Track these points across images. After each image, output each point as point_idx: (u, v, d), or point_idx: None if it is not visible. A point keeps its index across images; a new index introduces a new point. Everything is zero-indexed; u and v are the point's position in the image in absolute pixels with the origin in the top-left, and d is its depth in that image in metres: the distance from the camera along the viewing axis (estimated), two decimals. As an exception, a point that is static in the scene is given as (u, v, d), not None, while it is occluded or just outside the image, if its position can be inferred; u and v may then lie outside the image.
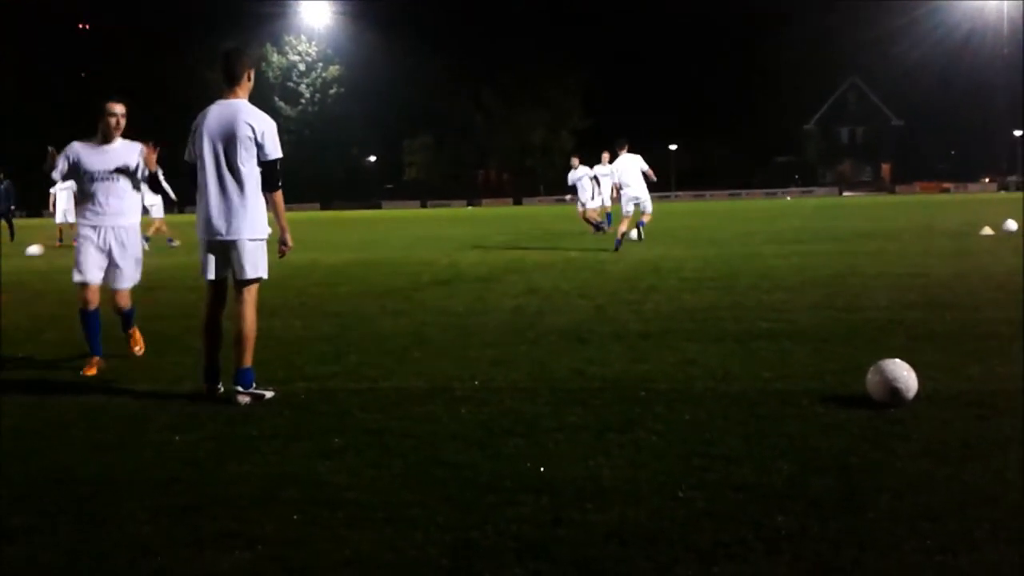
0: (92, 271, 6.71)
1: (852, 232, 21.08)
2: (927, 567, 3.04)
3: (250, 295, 5.61)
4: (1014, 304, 8.46)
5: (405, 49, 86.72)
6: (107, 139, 6.63)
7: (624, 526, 3.42)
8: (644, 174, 17.72)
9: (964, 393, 5.23)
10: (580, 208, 23.67)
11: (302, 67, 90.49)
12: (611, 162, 21.72)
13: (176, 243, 22.58)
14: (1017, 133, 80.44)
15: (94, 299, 6.70)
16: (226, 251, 5.57)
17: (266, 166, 5.52)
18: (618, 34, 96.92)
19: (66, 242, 23.25)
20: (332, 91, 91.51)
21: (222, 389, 5.66)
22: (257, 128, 5.47)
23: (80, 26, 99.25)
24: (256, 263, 5.58)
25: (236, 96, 5.57)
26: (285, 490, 3.92)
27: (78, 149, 6.62)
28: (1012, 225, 18.53)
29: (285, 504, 3.74)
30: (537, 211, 56.90)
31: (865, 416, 4.82)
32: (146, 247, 23.06)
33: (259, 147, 5.47)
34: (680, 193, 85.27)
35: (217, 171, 5.49)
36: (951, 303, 8.73)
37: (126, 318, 7.12)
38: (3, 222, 27.78)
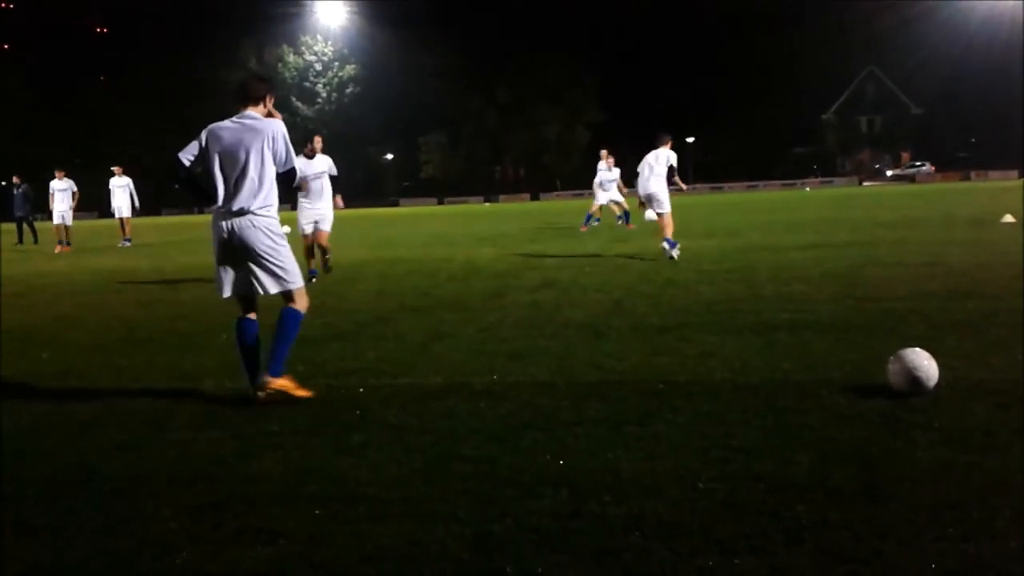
0: None
1: (871, 222, 20.94)
2: (949, 556, 3.03)
3: None
4: (1036, 292, 8.39)
5: (420, 47, 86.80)
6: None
7: (643, 518, 3.42)
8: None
9: (985, 382, 5.20)
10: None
11: (318, 67, 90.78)
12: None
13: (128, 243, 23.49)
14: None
15: None
16: None
17: None
18: (633, 27, 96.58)
19: (72, 244, 23.25)
20: (348, 90, 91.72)
21: None
22: None
23: (98, 29, 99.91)
24: None
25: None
26: (306, 486, 3.95)
27: None
28: (1034, 213, 18.35)
29: (307, 500, 3.77)
30: (554, 206, 56.84)
31: (886, 406, 4.80)
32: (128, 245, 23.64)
33: None
34: (698, 185, 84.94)
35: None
36: (971, 292, 8.67)
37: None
38: (24, 226, 28.03)
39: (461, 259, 15.65)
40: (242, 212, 5.34)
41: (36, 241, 27.33)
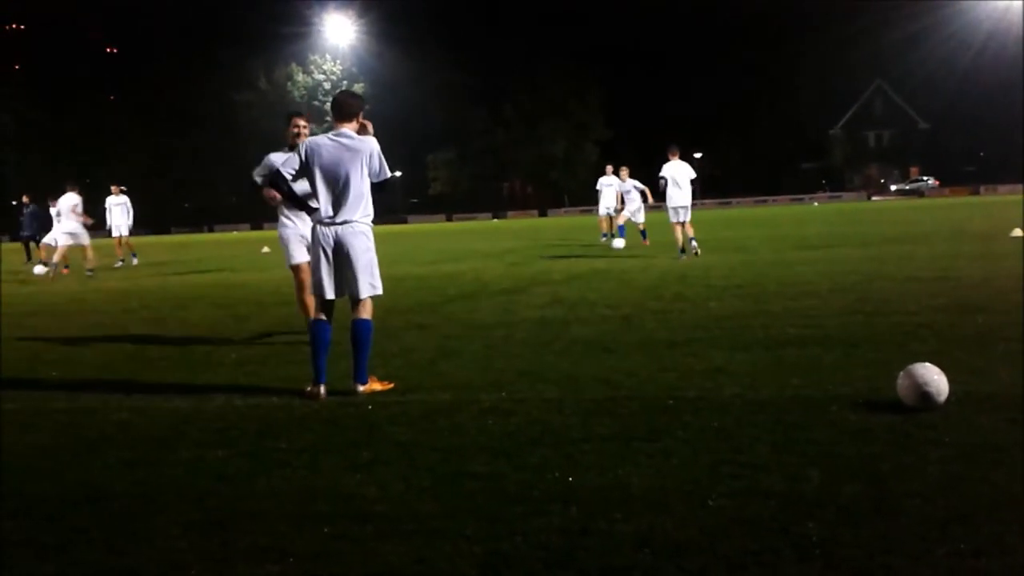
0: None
1: (880, 236, 20.90)
2: (959, 571, 3.01)
3: None
4: (1046, 306, 8.35)
5: (428, 66, 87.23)
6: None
7: (652, 535, 3.41)
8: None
9: (995, 396, 5.18)
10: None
11: (327, 86, 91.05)
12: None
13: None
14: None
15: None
16: None
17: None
18: (639, 42, 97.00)
19: (72, 267, 22.68)
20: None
21: None
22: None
23: (108, 49, 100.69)
24: None
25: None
26: (315, 504, 3.94)
27: None
28: (1043, 226, 18.28)
29: (315, 518, 3.76)
30: (562, 222, 56.89)
31: (895, 421, 4.78)
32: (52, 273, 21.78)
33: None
34: (706, 201, 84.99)
35: None
36: (981, 306, 8.64)
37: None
38: (31, 244, 28.09)
39: (469, 275, 15.67)
40: (346, 222, 5.98)
41: (30, 260, 27.27)
